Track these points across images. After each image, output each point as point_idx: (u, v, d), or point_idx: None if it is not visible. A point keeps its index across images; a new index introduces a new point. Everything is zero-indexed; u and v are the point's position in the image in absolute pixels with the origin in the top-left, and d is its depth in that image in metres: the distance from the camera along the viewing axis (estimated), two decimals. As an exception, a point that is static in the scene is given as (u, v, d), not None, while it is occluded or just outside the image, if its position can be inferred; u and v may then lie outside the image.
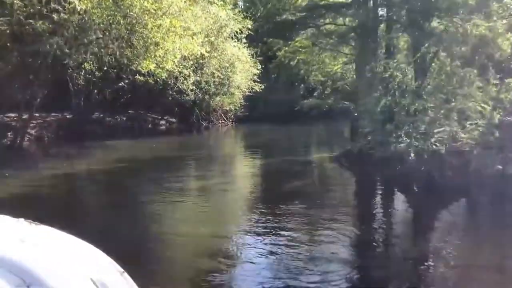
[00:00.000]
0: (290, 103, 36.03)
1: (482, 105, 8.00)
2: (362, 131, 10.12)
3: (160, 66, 20.22)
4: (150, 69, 20.22)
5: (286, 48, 18.95)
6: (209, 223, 7.65)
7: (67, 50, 15.64)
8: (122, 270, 2.10)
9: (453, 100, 8.12)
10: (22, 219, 2.29)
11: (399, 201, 9.22)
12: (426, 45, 8.63)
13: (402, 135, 8.34)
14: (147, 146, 18.79)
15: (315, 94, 18.93)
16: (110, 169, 12.41)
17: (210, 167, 13.32)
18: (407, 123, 8.39)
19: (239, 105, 29.61)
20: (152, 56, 19.06)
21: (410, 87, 8.35)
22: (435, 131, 8.33)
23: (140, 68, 20.21)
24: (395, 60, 9.48)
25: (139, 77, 21.82)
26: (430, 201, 8.55)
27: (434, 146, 8.31)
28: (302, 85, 41.58)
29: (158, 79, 22.42)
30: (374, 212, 8.81)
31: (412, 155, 8.19)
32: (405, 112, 8.47)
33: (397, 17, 11.45)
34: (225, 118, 29.80)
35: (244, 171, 12.71)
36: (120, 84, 23.43)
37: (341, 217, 7.84)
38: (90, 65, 19.84)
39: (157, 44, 18.01)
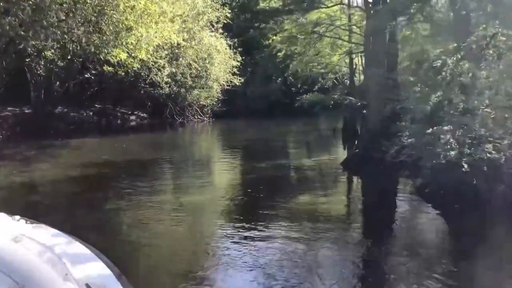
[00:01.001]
0: (268, 97, 34.44)
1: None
2: (402, 134, 8.26)
3: (132, 55, 17.95)
4: (121, 59, 17.93)
5: (275, 38, 17.04)
6: (183, 256, 5.64)
7: (22, 33, 13.22)
8: (120, 273, 2.07)
9: (519, 96, 6.44)
10: (18, 217, 2.32)
11: (434, 223, 7.27)
12: (483, 26, 6.89)
13: (451, 140, 6.53)
14: (116, 146, 16.50)
15: (315, 88, 17.05)
16: (71, 176, 10.18)
17: (187, 174, 11.06)
18: (460, 124, 6.61)
19: (216, 99, 27.45)
20: (123, 44, 16.77)
21: (466, 80, 6.57)
22: (488, 134, 6.60)
23: (109, 57, 17.89)
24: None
25: (108, 68, 19.40)
26: (473, 224, 6.71)
27: (488, 155, 6.54)
28: (280, 79, 40.02)
29: (129, 70, 20.08)
30: (399, 237, 6.81)
31: (465, 166, 6.40)
32: (456, 110, 6.71)
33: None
34: (201, 114, 27.59)
35: (229, 181, 10.36)
36: (86, 75, 20.87)
37: (358, 248, 5.94)
38: (52, 53, 17.35)
39: (129, 29, 15.75)
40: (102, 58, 18.31)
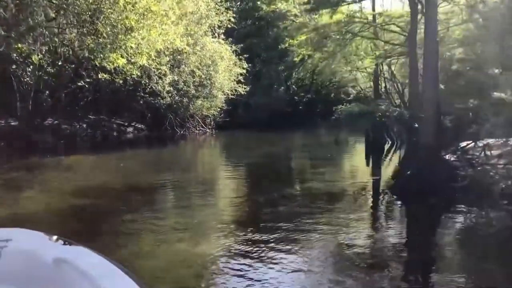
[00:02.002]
0: (271, 107, 32.61)
1: None
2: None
3: (132, 60, 16.01)
4: (118, 65, 15.97)
5: (292, 41, 15.15)
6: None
7: (4, 33, 11.22)
8: None
9: None
10: (55, 237, 2.34)
11: None
12: None
13: None
14: (112, 165, 14.40)
15: (350, 97, 15.13)
16: (59, 209, 8.07)
17: (196, 207, 8.59)
18: None
19: (218, 109, 25.44)
20: (122, 47, 14.84)
21: None
22: None
23: (106, 63, 15.92)
24: None
25: (104, 75, 17.39)
26: None
27: None
28: (282, 87, 38.19)
29: (128, 78, 18.10)
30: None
31: None
32: None
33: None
34: (203, 125, 25.57)
35: (250, 218, 7.77)
36: (79, 84, 18.82)
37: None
38: (40, 58, 15.34)
39: (129, 30, 13.80)
40: (98, 64, 16.34)
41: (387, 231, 6.99)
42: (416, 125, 9.51)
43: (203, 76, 22.29)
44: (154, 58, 16.85)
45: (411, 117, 9.64)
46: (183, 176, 12.49)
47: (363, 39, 12.71)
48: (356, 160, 16.91)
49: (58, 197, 9.10)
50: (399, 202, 8.85)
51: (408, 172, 9.32)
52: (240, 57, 24.29)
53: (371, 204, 8.92)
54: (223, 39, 24.29)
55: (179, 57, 20.87)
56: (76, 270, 1.95)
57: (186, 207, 8.81)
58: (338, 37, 11.13)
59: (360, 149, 18.83)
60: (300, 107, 38.30)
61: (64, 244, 2.28)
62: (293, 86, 39.81)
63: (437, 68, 9.44)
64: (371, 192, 9.99)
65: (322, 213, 7.78)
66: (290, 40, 15.34)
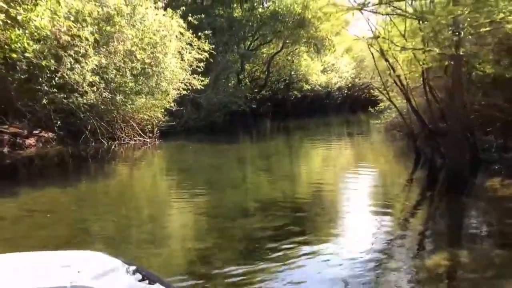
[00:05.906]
0: (226, 105, 25.75)
1: None
2: None
3: (20, 19, 8.27)
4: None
5: None
6: None
7: None
8: None
9: None
10: (134, 267, 1.93)
11: None
12: None
13: None
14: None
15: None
16: None
17: None
18: None
19: (162, 110, 17.78)
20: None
21: None
22: None
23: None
24: None
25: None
26: None
27: None
28: (235, 80, 30.92)
29: (22, 58, 10.11)
30: None
31: None
32: None
33: None
34: (142, 133, 17.60)
35: None
36: None
37: None
38: None
39: None
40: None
41: None
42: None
43: (146, 61, 14.47)
44: (67, 19, 9.09)
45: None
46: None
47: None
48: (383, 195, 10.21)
49: None
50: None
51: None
52: (200, 33, 16.71)
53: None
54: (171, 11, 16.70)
55: (108, 28, 12.95)
56: None
57: None
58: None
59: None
60: (254, 106, 31.25)
61: (142, 279, 1.77)
62: (246, 80, 32.72)
63: None
64: None
65: None
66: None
